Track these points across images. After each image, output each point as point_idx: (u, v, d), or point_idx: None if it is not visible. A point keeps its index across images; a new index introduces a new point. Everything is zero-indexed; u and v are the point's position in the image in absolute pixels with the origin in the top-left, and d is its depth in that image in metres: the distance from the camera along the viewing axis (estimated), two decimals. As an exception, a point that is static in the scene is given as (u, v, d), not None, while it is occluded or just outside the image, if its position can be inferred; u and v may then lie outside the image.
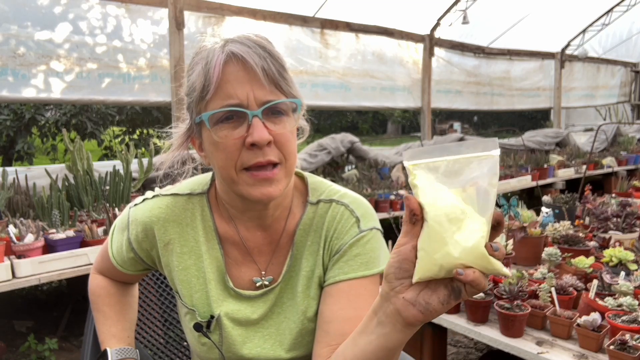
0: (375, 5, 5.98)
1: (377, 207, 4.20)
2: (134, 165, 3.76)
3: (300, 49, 5.58)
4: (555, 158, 6.45)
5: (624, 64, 10.56)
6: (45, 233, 2.71)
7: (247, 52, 0.88)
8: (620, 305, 1.80)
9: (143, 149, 8.35)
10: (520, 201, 2.68)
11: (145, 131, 9.30)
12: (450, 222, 0.62)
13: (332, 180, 1.16)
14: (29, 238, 2.57)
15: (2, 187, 3.26)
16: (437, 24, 6.75)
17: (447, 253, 0.62)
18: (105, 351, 1.10)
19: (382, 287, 0.72)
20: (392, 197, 4.35)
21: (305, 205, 1.05)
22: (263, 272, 1.05)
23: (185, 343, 1.46)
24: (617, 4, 8.15)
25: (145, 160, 3.83)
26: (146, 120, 9.10)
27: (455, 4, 6.53)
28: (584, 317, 1.70)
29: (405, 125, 21.44)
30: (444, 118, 20.33)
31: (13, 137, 7.46)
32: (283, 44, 5.39)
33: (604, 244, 2.59)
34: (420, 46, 6.80)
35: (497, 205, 2.62)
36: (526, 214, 2.67)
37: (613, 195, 3.68)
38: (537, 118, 15.09)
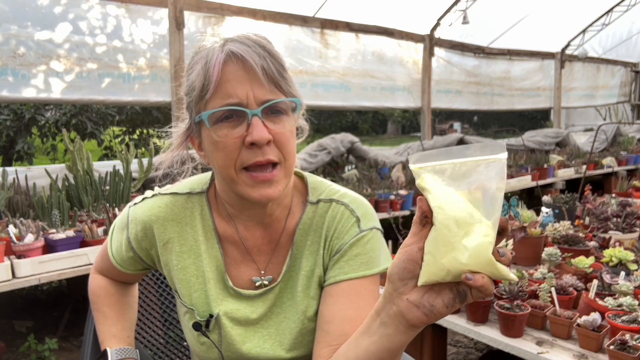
0: (375, 5, 5.98)
1: (377, 207, 4.20)
2: (134, 165, 3.76)
3: (300, 49, 5.58)
4: (555, 158, 6.45)
5: (624, 64, 10.56)
6: (45, 233, 2.71)
7: (247, 51, 0.88)
8: (620, 305, 1.80)
9: (143, 148, 8.34)
10: (520, 201, 2.68)
11: (145, 131, 9.30)
12: (458, 226, 0.62)
13: (332, 180, 1.16)
14: (29, 238, 2.57)
15: (2, 187, 3.26)
16: (437, 24, 6.75)
17: (454, 258, 0.62)
18: (105, 351, 1.10)
19: (385, 287, 0.72)
20: (392, 197, 4.35)
21: (305, 205, 1.05)
22: (262, 272, 1.05)
23: (185, 343, 1.46)
24: (617, 4, 8.15)
25: (145, 160, 3.83)
26: (146, 120, 9.10)
27: (455, 4, 6.52)
28: (584, 317, 1.70)
29: (405, 125, 21.44)
30: (444, 118, 20.33)
31: (13, 137, 7.46)
32: (283, 44, 5.39)
33: (604, 244, 2.59)
34: (420, 46, 6.80)
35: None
36: (526, 214, 2.67)
37: (613, 195, 3.68)
38: (537, 118, 15.09)
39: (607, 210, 2.97)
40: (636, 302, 1.78)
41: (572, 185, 5.87)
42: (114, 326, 1.15)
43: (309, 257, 1.03)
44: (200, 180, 1.09)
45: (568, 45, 8.88)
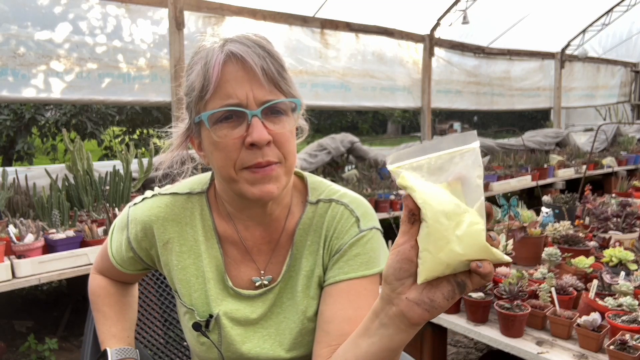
0: (375, 5, 5.98)
1: (377, 207, 4.20)
2: (134, 165, 3.76)
3: (300, 49, 5.58)
4: (555, 158, 6.45)
5: (624, 64, 10.55)
6: (45, 233, 2.71)
7: (247, 51, 0.88)
8: (620, 305, 1.80)
9: (143, 149, 8.34)
10: (520, 201, 2.68)
11: (145, 131, 9.29)
12: (448, 218, 0.62)
13: (332, 180, 1.16)
14: (29, 238, 2.57)
15: (2, 187, 3.26)
16: (437, 24, 6.74)
17: (451, 250, 0.62)
18: (105, 351, 1.10)
19: (382, 289, 0.72)
20: (392, 197, 4.35)
21: (304, 205, 1.05)
22: (262, 272, 1.05)
23: (185, 343, 1.46)
24: (617, 4, 8.14)
25: (145, 160, 3.83)
26: (146, 120, 9.09)
27: (455, 4, 6.52)
28: (584, 317, 1.70)
29: (405, 125, 21.42)
30: (444, 118, 20.32)
31: (13, 137, 7.45)
32: (283, 44, 5.39)
33: (604, 244, 2.59)
34: (420, 46, 6.80)
35: (497, 205, 2.62)
36: (526, 214, 2.67)
37: (613, 195, 3.67)
38: (537, 118, 15.08)
39: (607, 210, 2.97)
40: (636, 302, 1.78)
41: (572, 185, 5.87)
42: (114, 326, 1.15)
43: (309, 257, 1.03)
44: (200, 180, 1.09)
45: (568, 45, 8.87)
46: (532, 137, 7.69)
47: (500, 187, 5.23)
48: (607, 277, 2.02)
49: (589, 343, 1.67)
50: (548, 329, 1.83)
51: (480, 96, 7.92)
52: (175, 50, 4.49)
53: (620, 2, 8.08)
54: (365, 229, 1.01)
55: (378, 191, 4.42)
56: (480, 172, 0.63)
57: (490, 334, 1.83)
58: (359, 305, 0.96)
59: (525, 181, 5.60)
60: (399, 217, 4.21)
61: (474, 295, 1.93)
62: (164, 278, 1.44)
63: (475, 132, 0.65)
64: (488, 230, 0.63)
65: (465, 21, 6.58)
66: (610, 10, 8.27)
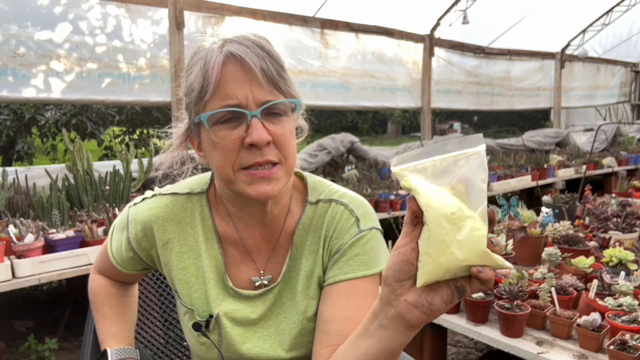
0: (375, 5, 5.98)
1: (377, 207, 4.20)
2: (134, 165, 3.76)
3: (300, 49, 5.58)
4: (555, 158, 6.45)
5: (624, 64, 10.55)
6: (45, 233, 2.71)
7: (246, 52, 0.88)
8: (620, 305, 1.80)
9: (143, 149, 8.34)
10: (520, 201, 2.68)
11: (145, 131, 9.29)
12: (450, 223, 0.62)
13: (332, 180, 1.16)
14: (29, 238, 2.57)
15: (2, 187, 3.26)
16: (437, 24, 6.75)
17: (451, 255, 0.62)
18: (105, 351, 1.10)
19: (381, 290, 0.72)
20: (392, 197, 4.35)
21: (304, 205, 1.05)
22: (262, 272, 1.05)
23: (185, 343, 1.46)
24: (617, 4, 8.15)
25: (145, 160, 3.83)
26: (146, 120, 9.09)
27: (455, 4, 6.52)
28: (584, 317, 1.70)
29: (405, 125, 21.43)
30: (444, 118, 20.32)
31: (13, 137, 7.46)
32: (283, 44, 5.39)
33: (604, 244, 2.59)
34: (420, 46, 6.80)
35: (497, 205, 2.62)
36: (526, 214, 2.67)
37: (613, 195, 3.67)
38: (537, 118, 15.08)
39: (607, 210, 2.97)
40: (636, 302, 1.78)
41: (572, 185, 5.87)
42: (114, 326, 1.15)
43: (309, 257, 1.03)
44: (200, 180, 1.09)
45: (568, 45, 8.88)
46: (532, 137, 7.69)
47: (500, 187, 5.23)
48: (607, 277, 2.02)
49: (589, 343, 1.67)
50: (548, 329, 1.83)
51: (480, 96, 7.93)
52: (175, 50, 4.49)
53: (620, 2, 8.09)
54: (365, 229, 1.01)
55: (378, 191, 4.42)
56: (485, 176, 0.63)
57: (490, 334, 1.83)
58: (358, 306, 0.96)
59: (525, 181, 5.60)
60: (399, 217, 4.21)
61: (474, 295, 1.93)
62: (164, 278, 1.44)
63: (481, 135, 0.64)
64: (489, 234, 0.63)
65: (465, 21, 6.59)
66: (610, 10, 8.27)
